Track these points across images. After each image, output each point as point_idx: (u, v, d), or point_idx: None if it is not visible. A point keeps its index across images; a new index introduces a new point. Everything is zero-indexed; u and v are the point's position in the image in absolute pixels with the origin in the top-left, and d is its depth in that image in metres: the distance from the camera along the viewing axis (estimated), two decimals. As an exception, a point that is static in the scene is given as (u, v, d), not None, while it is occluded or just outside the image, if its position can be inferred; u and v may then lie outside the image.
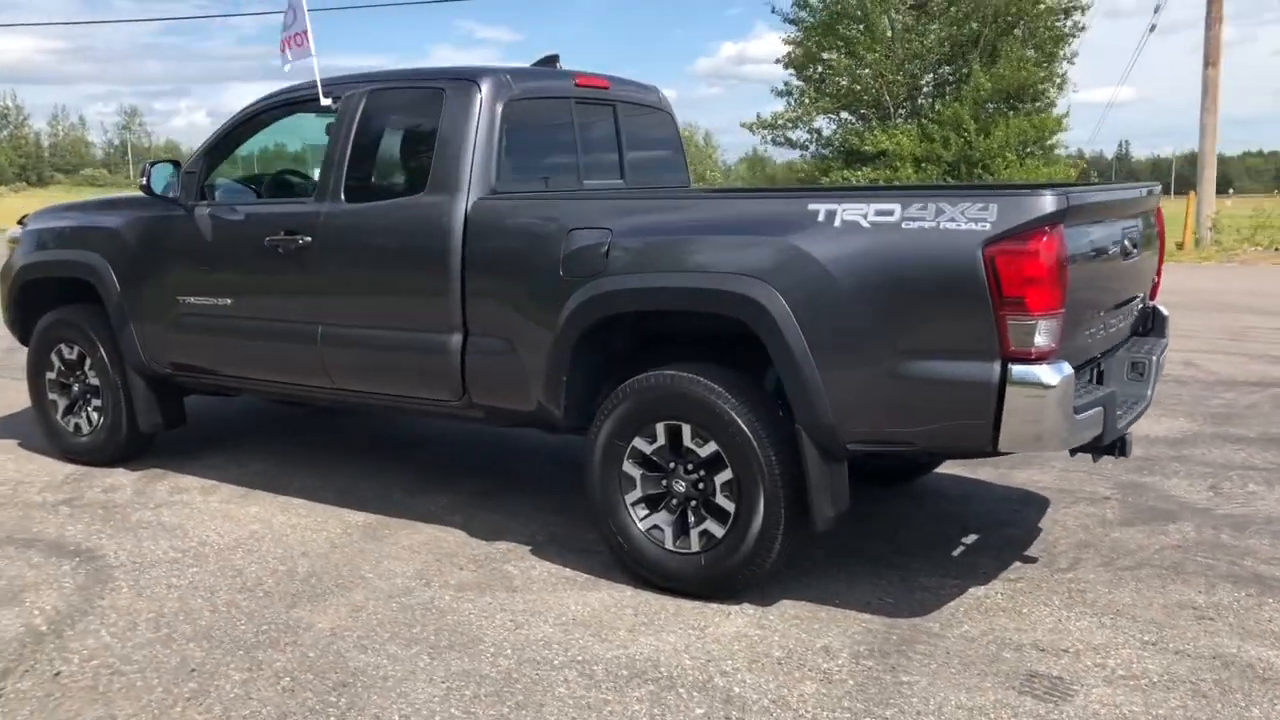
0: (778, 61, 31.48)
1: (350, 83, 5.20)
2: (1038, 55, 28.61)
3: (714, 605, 4.14)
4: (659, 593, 4.26)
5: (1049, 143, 29.48)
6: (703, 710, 3.36)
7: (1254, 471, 5.91)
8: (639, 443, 4.27)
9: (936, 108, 28.79)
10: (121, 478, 5.88)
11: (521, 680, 3.56)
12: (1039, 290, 3.54)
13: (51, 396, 6.20)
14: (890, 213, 3.74)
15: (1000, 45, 28.89)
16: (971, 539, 4.93)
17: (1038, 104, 29.32)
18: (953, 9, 28.00)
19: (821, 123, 31.19)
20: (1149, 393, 4.57)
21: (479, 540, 4.89)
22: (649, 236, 4.19)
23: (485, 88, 4.77)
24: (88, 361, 5.98)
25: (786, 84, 31.86)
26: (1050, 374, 3.57)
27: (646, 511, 4.31)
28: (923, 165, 28.29)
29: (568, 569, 4.55)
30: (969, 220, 3.61)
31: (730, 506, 4.09)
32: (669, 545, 4.24)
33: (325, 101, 5.17)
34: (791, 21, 31.34)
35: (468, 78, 4.83)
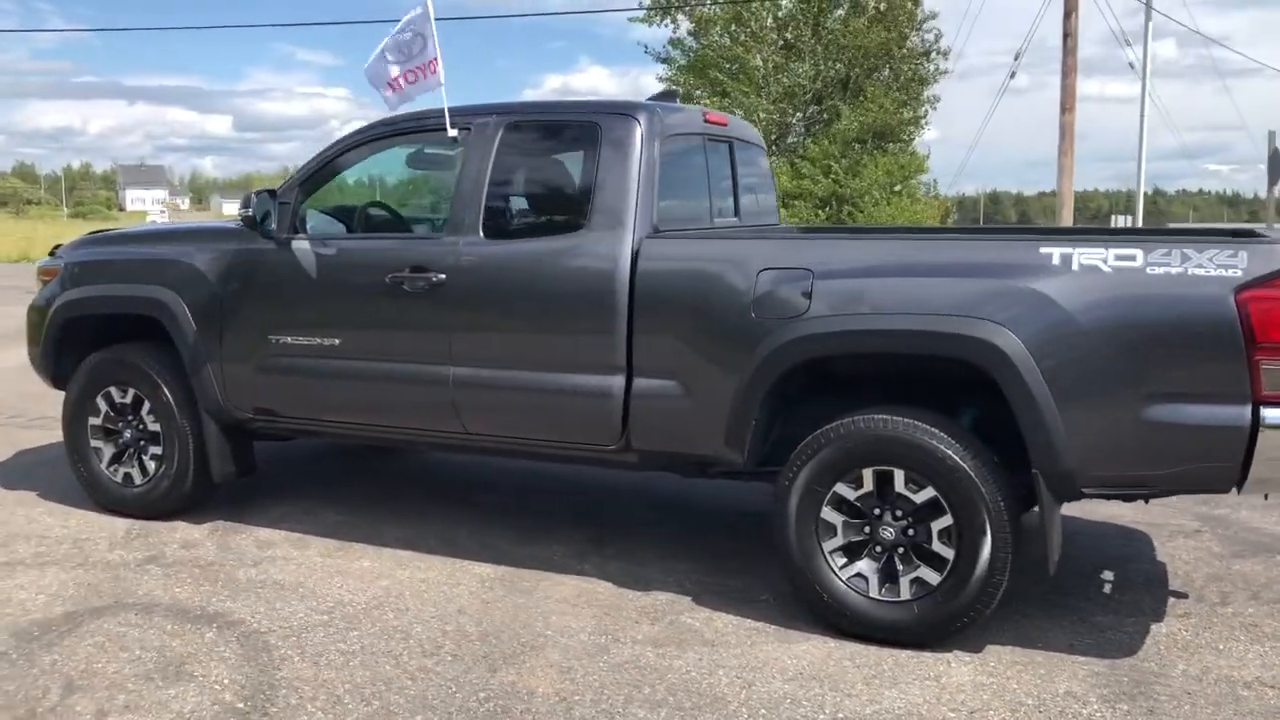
0: (651, 99, 31.78)
1: (476, 113, 4.94)
2: (903, 96, 29.76)
3: (926, 654, 4.07)
4: (859, 642, 4.16)
5: (911, 182, 30.71)
6: (1018, 766, 3.29)
7: (1300, 502, 6.21)
8: (841, 488, 4.17)
9: (807, 145, 29.56)
10: (190, 532, 5.40)
11: (801, 742, 3.41)
12: (1292, 336, 3.63)
13: (95, 444, 5.65)
14: (1132, 258, 3.79)
15: (866, 86, 29.96)
16: (1110, 576, 5.00)
17: (902, 144, 30.50)
18: (820, 47, 28.83)
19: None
20: None
21: (632, 591, 4.69)
22: (862, 278, 4.11)
23: (643, 122, 4.62)
24: (146, 405, 5.47)
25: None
26: (1303, 418, 3.66)
27: (845, 560, 4.21)
28: (793, 202, 28.98)
29: (747, 619, 4.40)
30: (1218, 267, 3.69)
31: (948, 553, 4.03)
32: (874, 594, 4.16)
33: (452, 132, 4.91)
34: (664, 61, 31.81)
35: (624, 112, 4.67)
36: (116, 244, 5.85)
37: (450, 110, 4.95)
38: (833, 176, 28.21)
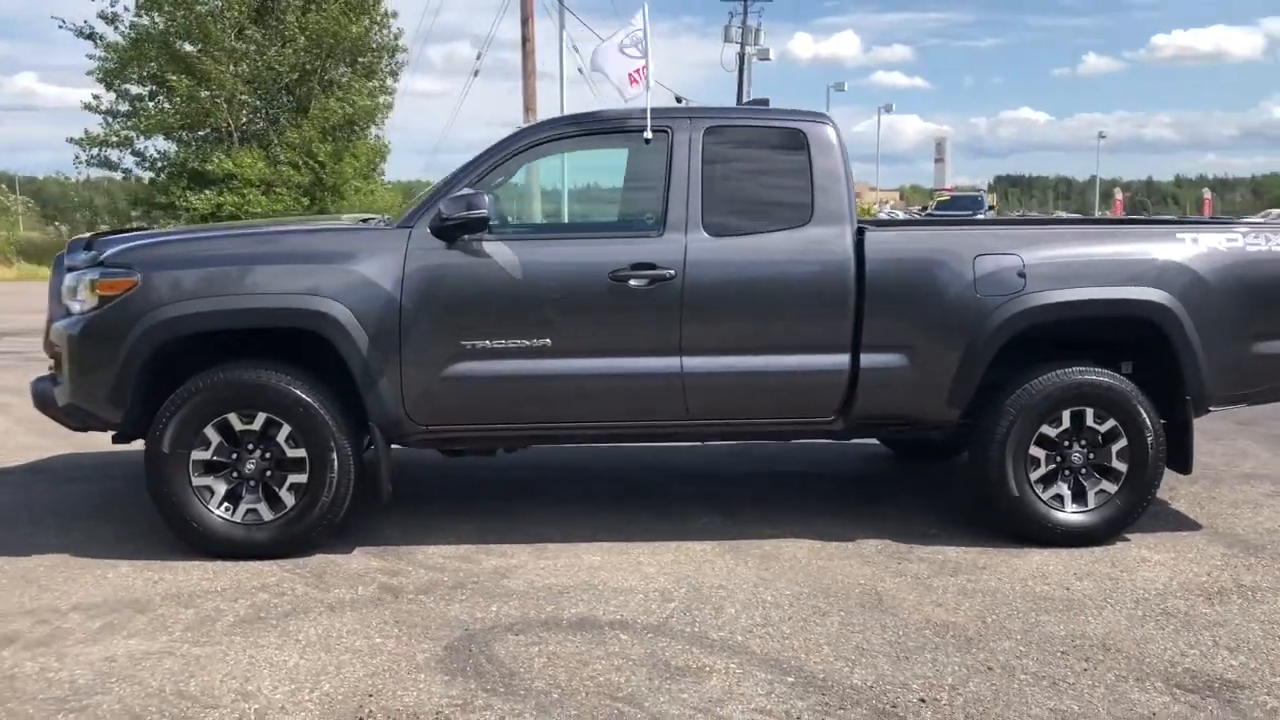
0: (90, 74, 28.81)
1: (672, 117, 5.19)
2: (375, 86, 30.16)
3: (1110, 548, 5.26)
4: (1058, 548, 5.25)
5: (378, 170, 31.32)
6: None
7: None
8: (1045, 428, 5.24)
9: (285, 132, 28.72)
10: (362, 560, 4.96)
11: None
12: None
13: (200, 482, 4.87)
14: (1236, 240, 5.32)
15: (332, 75, 29.85)
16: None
17: (368, 132, 30.85)
18: (301, 35, 28.10)
19: (160, 143, 29.27)
20: None
21: (839, 543, 5.29)
22: (1062, 261, 5.20)
23: (836, 128, 5.27)
24: (283, 430, 4.87)
25: (96, 98, 29.28)
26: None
27: (1043, 486, 5.29)
28: (274, 189, 28.09)
29: (958, 548, 5.24)
30: (1291, 243, 5.35)
31: (1123, 467, 5.28)
32: (1069, 508, 5.29)
33: (647, 135, 5.12)
34: (88, 36, 28.85)
35: (822, 119, 5.27)
36: (222, 247, 5.03)
37: (641, 113, 5.14)
38: (318, 163, 27.82)
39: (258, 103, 29.39)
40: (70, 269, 5.10)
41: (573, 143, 5.29)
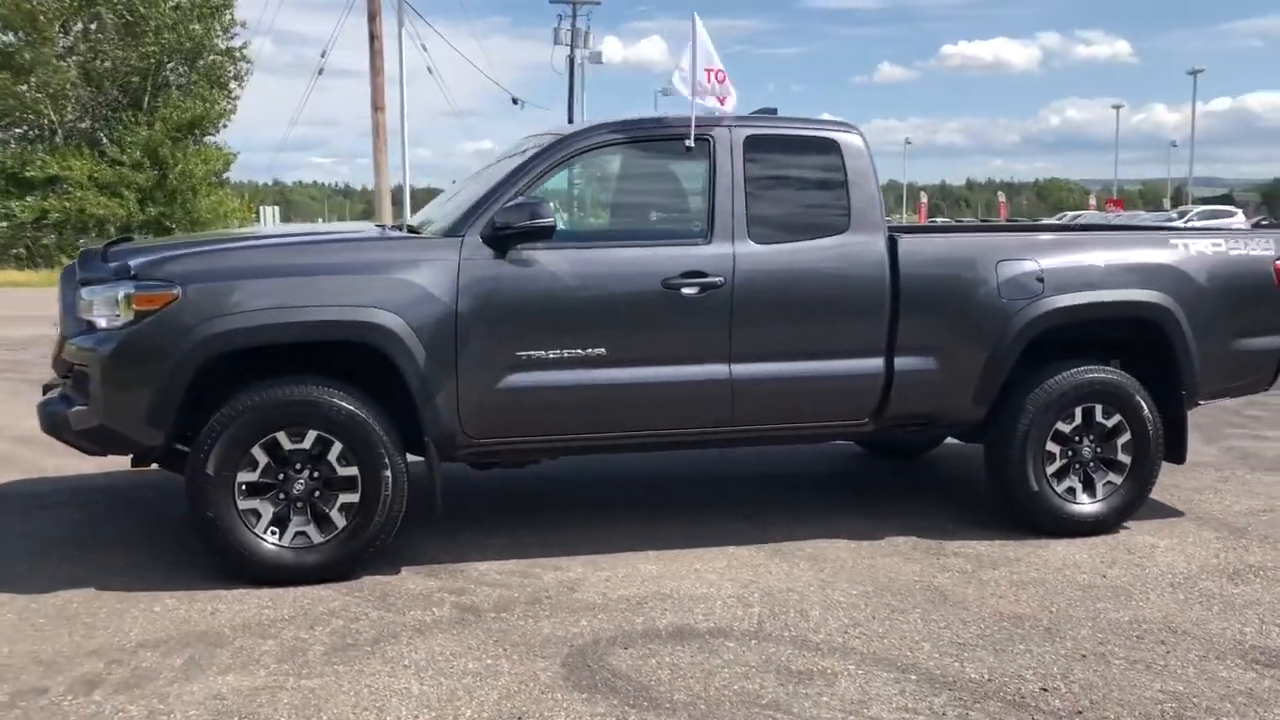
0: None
1: (711, 124, 5.23)
2: (218, 93, 28.98)
3: (1119, 535, 5.61)
4: (1069, 538, 5.55)
5: (224, 174, 30.14)
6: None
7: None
8: (1060, 425, 5.52)
9: (118, 133, 27.26)
10: (406, 583, 4.81)
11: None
12: (1303, 289, 5.88)
13: (247, 505, 4.63)
14: (1220, 244, 5.74)
15: (172, 77, 28.57)
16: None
17: (210, 137, 29.68)
18: (151, 35, 26.74)
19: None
20: None
21: (869, 542, 5.45)
22: (1076, 266, 5.49)
23: (865, 138, 5.42)
24: (334, 449, 4.68)
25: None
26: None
27: (1056, 480, 5.57)
28: (114, 191, 26.64)
29: (983, 541, 5.49)
30: (1262, 249, 5.80)
31: (1127, 459, 5.62)
32: (1080, 500, 5.60)
33: (689, 143, 5.14)
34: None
35: (851, 129, 5.41)
36: (266, 258, 4.75)
37: (681, 121, 5.17)
38: (162, 167, 26.55)
39: (86, 99, 27.80)
40: (85, 282, 4.76)
41: (616, 149, 5.27)
